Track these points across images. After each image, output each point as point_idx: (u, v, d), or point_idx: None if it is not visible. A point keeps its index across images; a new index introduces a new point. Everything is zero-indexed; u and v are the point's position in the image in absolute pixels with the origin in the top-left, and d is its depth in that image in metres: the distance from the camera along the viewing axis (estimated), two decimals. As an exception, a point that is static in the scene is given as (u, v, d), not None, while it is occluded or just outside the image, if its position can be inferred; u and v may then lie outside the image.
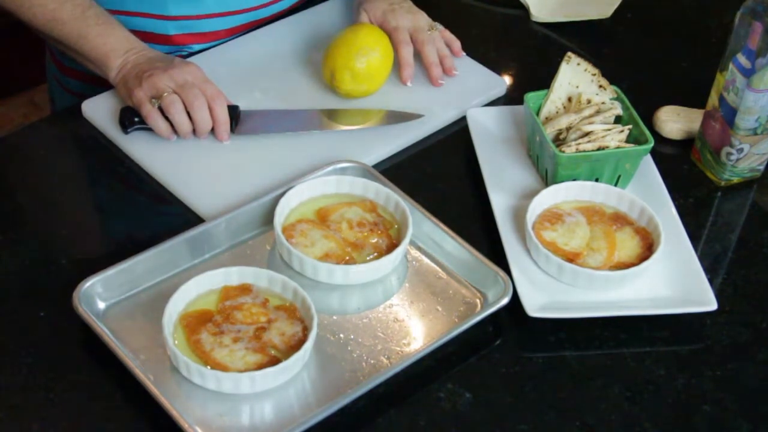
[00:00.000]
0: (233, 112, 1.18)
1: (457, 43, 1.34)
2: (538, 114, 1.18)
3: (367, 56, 1.22)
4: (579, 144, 1.13)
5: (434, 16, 1.34)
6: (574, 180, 1.14)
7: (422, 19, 1.32)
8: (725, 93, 1.16)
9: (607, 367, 1.00)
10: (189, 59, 1.30)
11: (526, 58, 1.42)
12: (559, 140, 1.16)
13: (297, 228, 1.07)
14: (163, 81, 1.15)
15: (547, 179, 1.16)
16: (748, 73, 1.12)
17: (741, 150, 1.17)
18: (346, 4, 1.41)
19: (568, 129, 1.16)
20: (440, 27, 1.33)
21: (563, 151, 1.12)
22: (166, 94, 1.14)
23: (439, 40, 1.31)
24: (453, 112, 1.27)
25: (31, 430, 0.91)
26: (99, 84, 1.33)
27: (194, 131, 1.17)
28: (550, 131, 1.16)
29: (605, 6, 1.46)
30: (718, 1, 1.54)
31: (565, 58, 1.17)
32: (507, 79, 1.34)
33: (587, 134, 1.14)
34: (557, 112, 1.18)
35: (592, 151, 1.12)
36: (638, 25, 1.48)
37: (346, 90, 1.24)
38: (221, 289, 1.00)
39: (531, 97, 1.18)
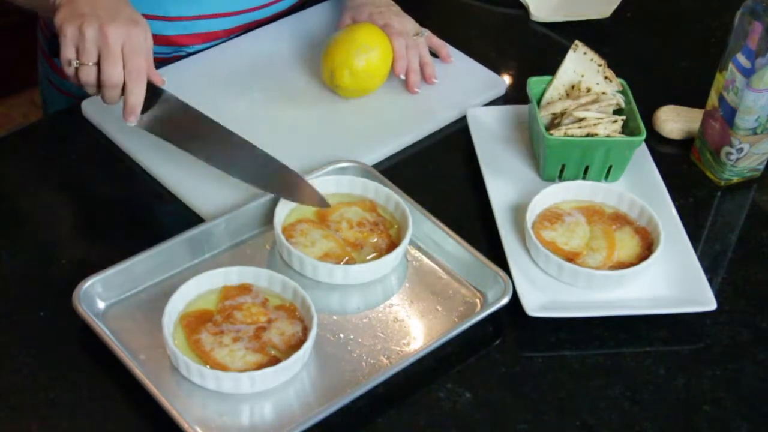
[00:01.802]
0: (152, 94, 1.08)
1: (445, 49, 1.33)
2: (540, 99, 1.18)
3: (366, 54, 1.22)
4: (568, 128, 1.13)
5: (434, 15, 1.34)
6: (564, 165, 1.15)
7: (409, 23, 1.30)
8: (725, 93, 1.16)
9: (607, 367, 1.00)
10: (189, 58, 1.30)
11: (526, 58, 1.42)
12: (554, 125, 1.17)
13: (297, 228, 1.07)
14: (91, 36, 1.04)
15: (540, 164, 1.17)
16: (747, 73, 1.12)
17: (741, 150, 1.17)
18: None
19: (563, 114, 1.16)
20: (427, 33, 1.32)
21: (552, 134, 1.13)
22: (87, 64, 1.05)
23: (423, 46, 1.30)
24: (453, 112, 1.27)
25: (30, 430, 0.91)
26: None
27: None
28: (544, 114, 1.16)
29: (605, 6, 1.46)
30: (718, 1, 1.54)
31: (573, 46, 1.18)
32: (507, 79, 1.34)
33: (580, 120, 1.15)
34: (559, 98, 1.18)
35: (581, 137, 1.13)
36: (638, 25, 1.48)
37: (345, 89, 1.24)
38: (221, 289, 1.00)
39: (533, 82, 1.19)
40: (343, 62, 1.22)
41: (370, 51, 1.22)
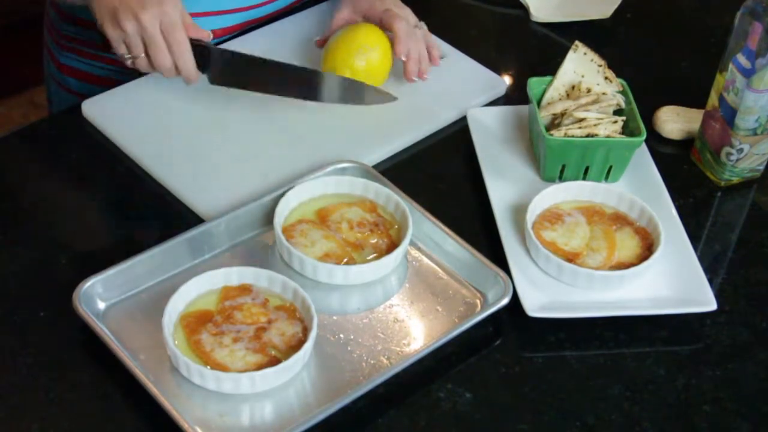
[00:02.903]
0: (203, 53, 1.17)
1: (437, 50, 1.30)
2: (540, 99, 1.19)
3: (366, 54, 1.22)
4: (569, 129, 1.13)
5: (434, 16, 1.34)
6: (564, 165, 1.15)
7: (409, 14, 1.29)
8: (725, 93, 1.16)
9: (607, 367, 1.00)
10: None
11: (526, 58, 1.42)
12: (554, 126, 1.17)
13: (297, 228, 1.07)
14: (131, 31, 1.12)
15: (540, 164, 1.17)
16: (748, 73, 1.12)
17: (741, 150, 1.17)
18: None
19: (563, 114, 1.16)
20: (425, 27, 1.30)
21: (552, 135, 1.13)
22: (138, 56, 1.14)
23: (421, 40, 1.28)
24: (453, 112, 1.27)
25: (31, 430, 0.91)
26: (97, 83, 1.34)
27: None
28: (544, 114, 1.16)
29: (605, 6, 1.46)
30: (718, 1, 1.54)
31: (573, 46, 1.18)
32: (507, 79, 1.34)
33: (580, 121, 1.15)
34: (559, 99, 1.18)
35: (581, 137, 1.13)
36: (638, 25, 1.48)
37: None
38: (221, 289, 1.00)
39: (534, 82, 1.19)
40: (344, 63, 1.22)
41: (370, 51, 1.22)
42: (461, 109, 1.26)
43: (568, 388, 0.98)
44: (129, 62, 1.16)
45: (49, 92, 1.45)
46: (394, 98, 1.22)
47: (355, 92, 1.22)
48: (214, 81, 1.21)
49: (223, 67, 1.19)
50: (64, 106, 1.36)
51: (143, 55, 1.14)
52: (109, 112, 1.21)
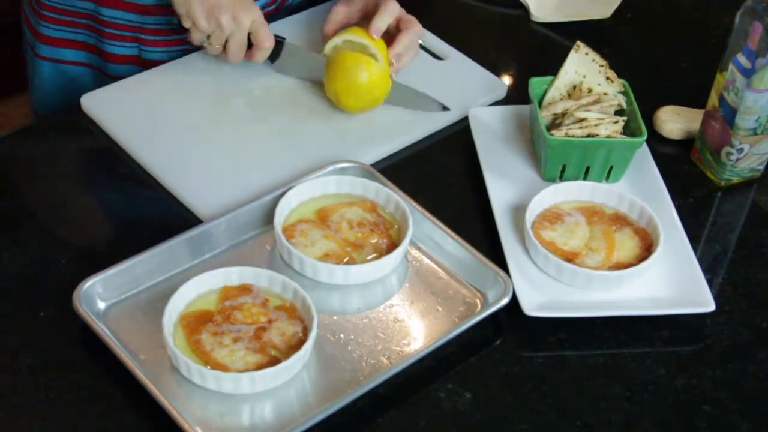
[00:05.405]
0: (276, 46, 1.25)
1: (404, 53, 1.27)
2: (541, 99, 1.19)
3: (366, 64, 1.20)
4: (570, 129, 1.13)
5: (434, 16, 1.34)
6: (565, 165, 1.15)
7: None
8: (725, 93, 1.16)
9: (607, 367, 1.00)
10: (189, 56, 1.30)
11: (527, 58, 1.42)
12: (555, 126, 1.17)
13: (297, 228, 1.07)
14: (226, 20, 1.19)
15: (541, 164, 1.17)
16: (748, 73, 1.12)
17: (741, 150, 1.17)
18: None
19: (564, 114, 1.16)
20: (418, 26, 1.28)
21: (553, 135, 1.13)
22: (213, 45, 1.22)
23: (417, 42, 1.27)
24: (453, 113, 1.26)
25: (31, 430, 0.91)
26: (72, 46, 1.35)
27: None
28: (545, 114, 1.16)
29: (605, 6, 1.46)
30: (718, 1, 1.54)
31: (575, 46, 1.18)
32: (507, 80, 1.34)
33: (581, 121, 1.15)
34: (560, 98, 1.18)
35: (582, 137, 1.13)
36: (638, 25, 1.48)
37: (354, 107, 1.22)
38: (221, 289, 1.00)
39: (535, 82, 1.19)
40: (345, 85, 1.20)
41: (368, 65, 1.20)
42: (461, 111, 1.26)
43: (568, 388, 0.98)
44: (201, 44, 1.23)
45: (31, 73, 1.41)
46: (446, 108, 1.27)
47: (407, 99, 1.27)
48: (279, 69, 1.28)
49: (290, 58, 1.27)
50: (45, 74, 1.38)
51: (219, 46, 1.22)
52: (108, 109, 1.21)
